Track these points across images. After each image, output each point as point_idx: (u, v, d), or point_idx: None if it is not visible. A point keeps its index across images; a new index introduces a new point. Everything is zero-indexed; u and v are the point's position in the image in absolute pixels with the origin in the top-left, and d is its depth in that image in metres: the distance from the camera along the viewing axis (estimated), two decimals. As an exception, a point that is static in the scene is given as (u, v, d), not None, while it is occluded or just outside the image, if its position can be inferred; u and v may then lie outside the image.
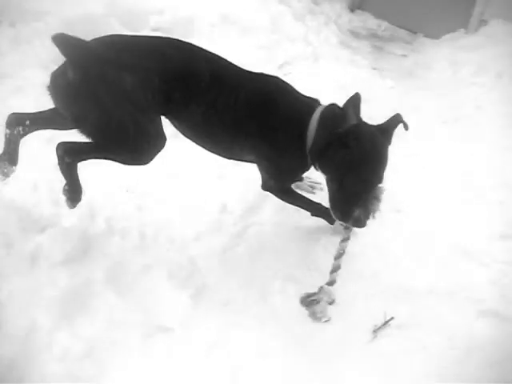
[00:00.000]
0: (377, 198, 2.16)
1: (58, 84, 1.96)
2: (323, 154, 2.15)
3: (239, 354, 2.02)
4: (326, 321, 2.17)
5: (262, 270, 2.39)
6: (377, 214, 2.19)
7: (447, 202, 2.88)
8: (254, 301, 2.25)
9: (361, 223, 2.13)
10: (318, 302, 2.20)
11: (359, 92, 2.12)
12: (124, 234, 2.44)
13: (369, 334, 2.15)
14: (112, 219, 2.49)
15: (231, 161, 2.54)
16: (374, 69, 4.11)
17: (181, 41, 2.16)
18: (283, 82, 2.27)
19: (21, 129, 2.19)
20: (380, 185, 2.16)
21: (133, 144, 2.00)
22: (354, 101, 2.09)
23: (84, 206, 2.24)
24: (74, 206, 2.13)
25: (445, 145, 3.41)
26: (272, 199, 2.73)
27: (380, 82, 4.22)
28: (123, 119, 1.93)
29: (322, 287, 2.23)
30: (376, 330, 2.16)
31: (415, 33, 5.63)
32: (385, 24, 5.79)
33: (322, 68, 4.19)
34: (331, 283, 2.23)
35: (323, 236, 2.58)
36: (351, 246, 2.29)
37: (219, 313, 2.18)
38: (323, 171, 2.22)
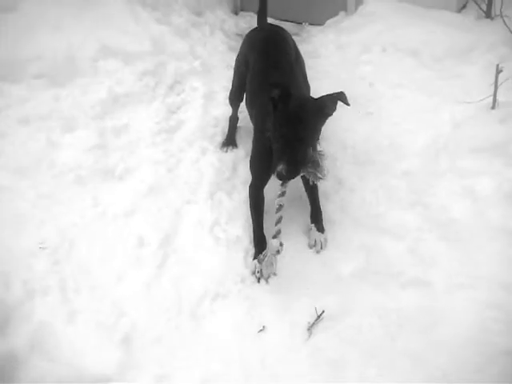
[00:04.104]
0: (316, 162, 2.36)
1: None
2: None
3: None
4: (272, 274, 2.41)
5: (190, 292, 2.40)
6: (319, 177, 2.40)
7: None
8: (188, 328, 2.26)
9: (281, 176, 2.28)
10: (265, 255, 2.38)
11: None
12: (44, 293, 2.36)
13: (304, 333, 2.19)
14: (29, 281, 2.39)
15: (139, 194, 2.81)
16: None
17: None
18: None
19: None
20: (320, 150, 2.42)
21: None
22: None
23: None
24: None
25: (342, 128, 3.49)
26: (187, 223, 2.73)
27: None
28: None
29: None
30: (310, 328, 2.20)
31: (300, 23, 5.74)
32: (270, 20, 5.86)
33: (215, 78, 4.19)
34: (276, 235, 2.37)
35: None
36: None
37: (154, 350, 2.16)
38: None
